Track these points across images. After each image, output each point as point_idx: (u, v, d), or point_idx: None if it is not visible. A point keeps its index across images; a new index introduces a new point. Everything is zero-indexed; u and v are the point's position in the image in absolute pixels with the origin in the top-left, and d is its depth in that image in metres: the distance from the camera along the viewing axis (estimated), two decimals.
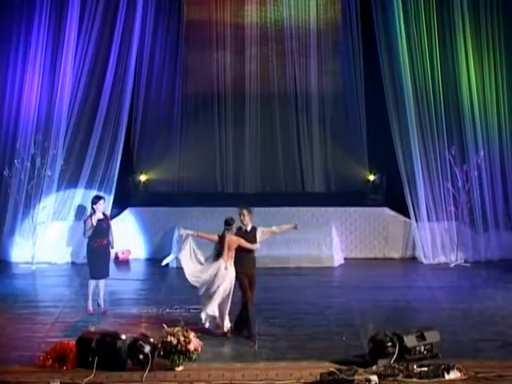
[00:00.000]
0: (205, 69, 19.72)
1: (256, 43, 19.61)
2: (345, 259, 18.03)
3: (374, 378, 10.37)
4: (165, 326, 11.17)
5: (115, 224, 15.36)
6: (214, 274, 12.43)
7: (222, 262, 12.46)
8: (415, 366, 10.69)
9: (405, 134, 17.97)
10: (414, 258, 18.23)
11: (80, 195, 17.98)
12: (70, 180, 18.01)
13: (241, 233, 12.74)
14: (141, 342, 10.97)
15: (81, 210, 17.77)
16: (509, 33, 18.11)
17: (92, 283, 13.78)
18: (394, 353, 11.06)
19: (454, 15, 17.91)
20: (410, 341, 11.19)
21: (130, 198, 18.92)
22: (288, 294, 15.14)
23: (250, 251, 12.75)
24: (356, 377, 10.36)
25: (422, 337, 11.32)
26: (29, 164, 17.54)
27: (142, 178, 19.13)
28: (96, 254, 13.65)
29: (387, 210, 18.49)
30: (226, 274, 12.45)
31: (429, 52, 17.91)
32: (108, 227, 13.81)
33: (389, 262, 17.97)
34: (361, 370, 10.62)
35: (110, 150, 18.00)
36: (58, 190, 17.90)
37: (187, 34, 19.54)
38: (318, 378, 10.43)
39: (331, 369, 10.59)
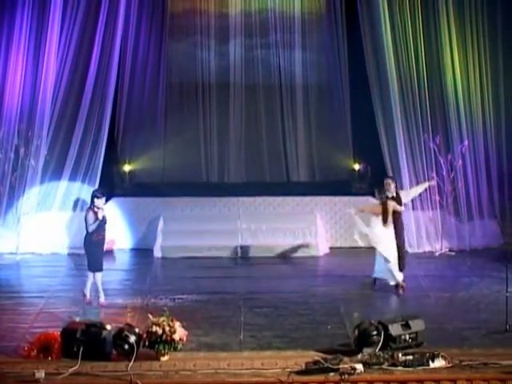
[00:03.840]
0: (189, 59, 19.67)
1: (240, 33, 19.56)
2: (330, 248, 18.01)
3: (360, 366, 10.40)
4: (150, 316, 11.15)
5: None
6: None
7: (390, 228, 14.43)
8: (400, 355, 10.72)
9: (389, 124, 17.97)
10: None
11: (64, 186, 17.84)
12: (54, 170, 17.88)
13: (390, 199, 14.54)
14: (126, 332, 10.96)
15: (65, 200, 17.74)
16: (493, 21, 18.12)
17: (90, 275, 13.82)
18: (379, 341, 11.09)
19: (438, 5, 17.92)
20: (395, 329, 11.23)
21: (115, 188, 18.82)
22: (273, 284, 15.15)
23: (399, 214, 14.70)
24: (341, 365, 10.38)
25: (406, 325, 11.36)
26: (12, 154, 17.43)
27: (127, 168, 19.09)
28: (96, 246, 13.73)
29: (372, 199, 18.49)
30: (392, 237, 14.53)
31: (413, 42, 17.90)
32: (105, 221, 13.89)
33: (373, 251, 17.88)
34: (346, 359, 10.65)
35: (95, 140, 17.83)
36: (42, 180, 17.76)
37: (171, 23, 19.49)
38: (304, 366, 10.46)
39: (316, 358, 10.61)
